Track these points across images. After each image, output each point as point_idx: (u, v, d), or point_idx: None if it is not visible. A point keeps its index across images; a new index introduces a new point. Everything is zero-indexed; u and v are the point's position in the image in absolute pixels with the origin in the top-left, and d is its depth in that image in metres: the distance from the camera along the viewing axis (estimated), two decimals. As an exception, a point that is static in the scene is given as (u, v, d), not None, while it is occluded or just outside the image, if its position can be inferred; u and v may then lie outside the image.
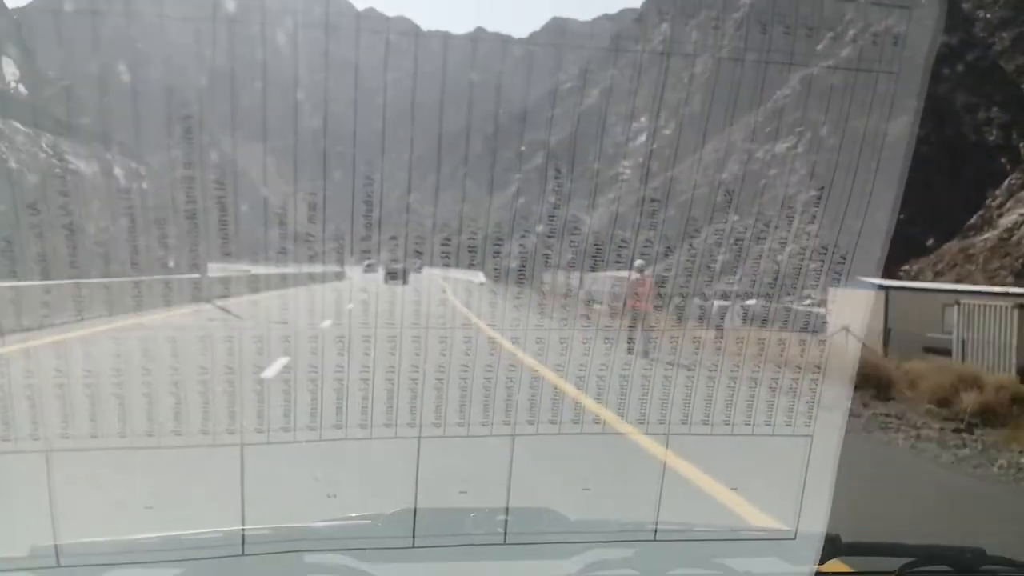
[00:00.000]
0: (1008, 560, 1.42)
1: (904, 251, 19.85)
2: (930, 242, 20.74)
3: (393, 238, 1.21)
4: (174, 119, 1.11)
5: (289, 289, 1.29)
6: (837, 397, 1.42)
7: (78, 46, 1.08)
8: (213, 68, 1.07)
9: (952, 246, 20.48)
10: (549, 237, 1.25)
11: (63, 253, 1.18)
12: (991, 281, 17.61)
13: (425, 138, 1.14)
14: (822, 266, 1.33)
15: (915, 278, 19.67)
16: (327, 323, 1.29)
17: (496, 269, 1.28)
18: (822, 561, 1.34)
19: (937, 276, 19.67)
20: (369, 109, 1.08)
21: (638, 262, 8.71)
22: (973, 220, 20.80)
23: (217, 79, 1.06)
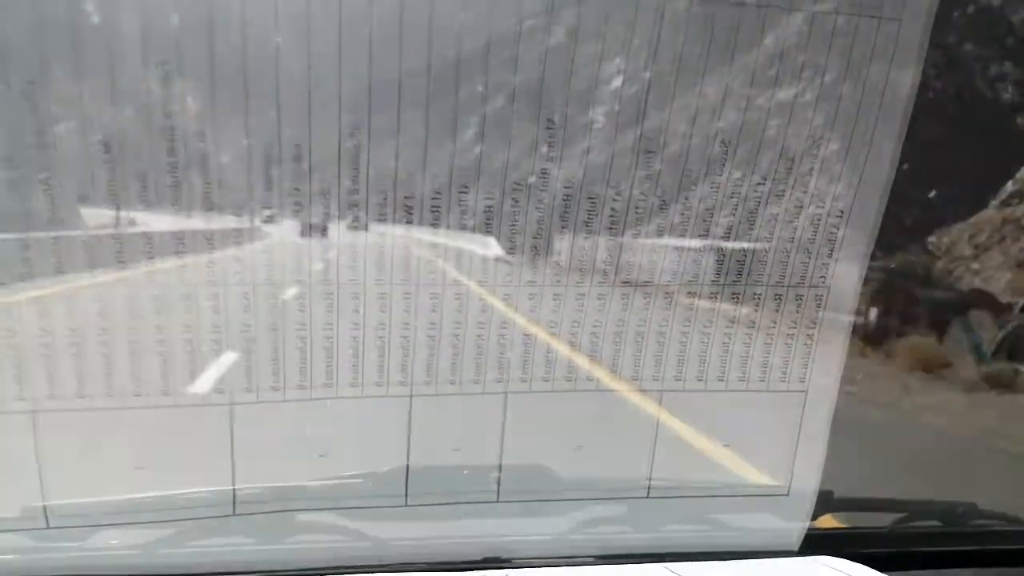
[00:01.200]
0: (999, 514, 1.44)
1: (928, 219, 16.82)
2: (956, 210, 17.37)
3: (381, 192, 1.18)
4: (151, 65, 1.06)
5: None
6: (832, 353, 1.41)
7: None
8: (189, 11, 1.03)
9: (991, 216, 17.27)
10: (541, 190, 1.23)
11: (42, 207, 1.15)
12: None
13: (413, 86, 1.10)
14: (819, 219, 1.32)
15: (948, 251, 16.53)
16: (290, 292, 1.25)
17: (488, 226, 1.25)
18: (815, 517, 1.35)
19: (979, 249, 16.32)
20: (354, 55, 1.04)
21: None
22: (1012, 186, 17.42)
23: (193, 22, 1.02)
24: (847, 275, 1.34)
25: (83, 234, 1.22)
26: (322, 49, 1.04)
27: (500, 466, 1.31)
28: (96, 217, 1.22)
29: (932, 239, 17.28)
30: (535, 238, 1.28)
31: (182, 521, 1.23)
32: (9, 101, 1.09)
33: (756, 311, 1.37)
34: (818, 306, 1.35)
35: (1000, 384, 8.83)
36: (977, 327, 9.96)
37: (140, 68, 1.06)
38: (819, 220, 1.31)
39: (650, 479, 1.34)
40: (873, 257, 1.34)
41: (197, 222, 1.16)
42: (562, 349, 1.37)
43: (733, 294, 1.37)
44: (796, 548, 1.32)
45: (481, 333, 1.29)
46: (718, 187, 1.29)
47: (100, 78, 1.07)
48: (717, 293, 1.37)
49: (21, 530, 1.17)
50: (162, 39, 1.04)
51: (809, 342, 1.36)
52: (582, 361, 1.38)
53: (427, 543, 1.28)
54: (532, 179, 1.21)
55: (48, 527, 1.15)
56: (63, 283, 1.16)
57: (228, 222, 1.21)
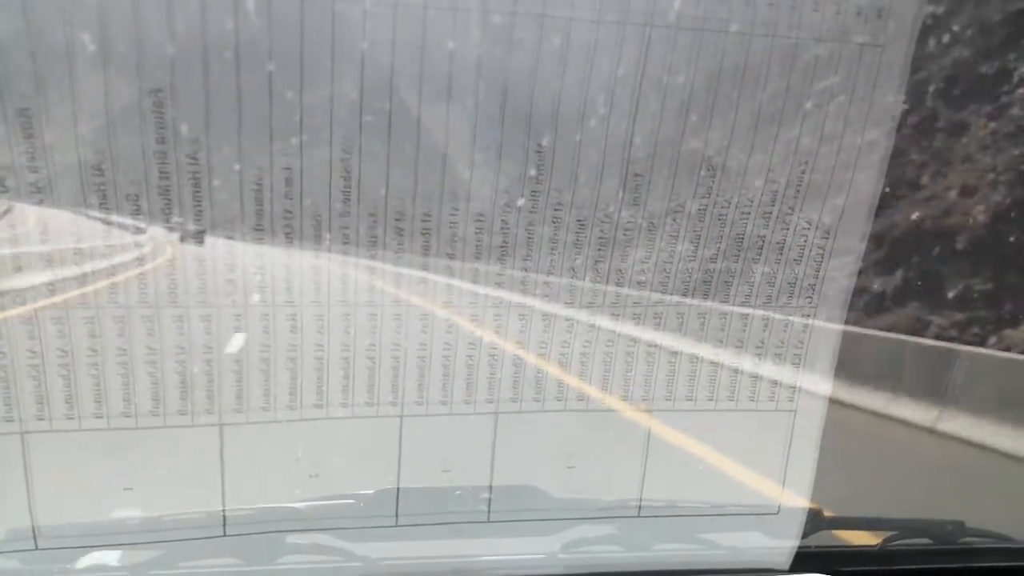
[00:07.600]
0: (987, 532, 1.44)
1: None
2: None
3: (372, 215, 1.19)
4: (144, 92, 1.07)
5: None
6: (821, 372, 1.42)
7: (41, 16, 1.05)
8: (182, 38, 1.04)
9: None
10: (531, 212, 1.24)
11: (34, 230, 1.15)
12: None
13: (404, 110, 1.11)
14: (805, 242, 1.33)
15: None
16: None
17: (478, 250, 1.26)
18: (805, 535, 1.35)
19: None
20: (345, 80, 1.05)
21: None
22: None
23: (186, 49, 1.03)
24: (834, 295, 1.36)
25: (74, 247, 1.22)
26: (313, 72, 1.05)
27: (490, 486, 1.31)
28: (87, 234, 1.23)
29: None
30: (525, 260, 1.29)
31: (172, 542, 1.22)
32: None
33: (745, 331, 1.38)
34: (806, 326, 1.37)
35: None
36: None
37: (134, 95, 1.07)
38: (805, 241, 1.33)
39: (641, 498, 1.35)
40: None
41: (188, 242, 1.16)
42: (552, 369, 1.37)
43: (721, 314, 1.39)
44: (787, 567, 1.33)
45: (471, 353, 1.30)
46: (705, 209, 1.30)
47: (95, 104, 1.08)
48: (705, 313, 1.39)
49: (9, 552, 1.16)
50: (155, 66, 1.05)
51: (798, 362, 1.37)
52: (572, 381, 1.39)
53: (417, 563, 1.28)
54: (521, 201, 1.22)
55: (37, 548, 1.15)
56: (51, 302, 1.16)
57: (216, 243, 1.21)
